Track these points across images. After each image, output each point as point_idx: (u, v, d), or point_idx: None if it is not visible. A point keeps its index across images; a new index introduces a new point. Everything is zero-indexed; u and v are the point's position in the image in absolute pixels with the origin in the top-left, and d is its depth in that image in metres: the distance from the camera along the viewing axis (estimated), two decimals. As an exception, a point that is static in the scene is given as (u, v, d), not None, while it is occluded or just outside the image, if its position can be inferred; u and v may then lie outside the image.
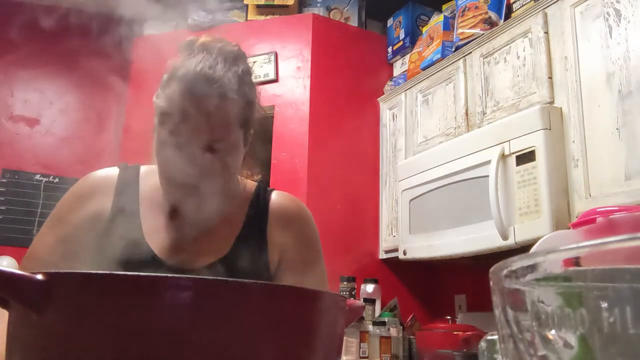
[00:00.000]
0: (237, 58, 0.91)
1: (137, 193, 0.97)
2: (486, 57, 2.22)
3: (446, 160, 2.20)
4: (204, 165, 0.85)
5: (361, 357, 2.24)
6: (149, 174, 1.00)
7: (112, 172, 0.99)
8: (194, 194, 0.87)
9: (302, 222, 1.00)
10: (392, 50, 2.98)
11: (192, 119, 0.83)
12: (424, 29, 2.73)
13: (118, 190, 0.96)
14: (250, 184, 1.03)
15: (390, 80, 2.92)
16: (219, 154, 0.87)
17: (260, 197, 1.00)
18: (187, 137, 0.84)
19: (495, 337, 0.87)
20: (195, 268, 0.89)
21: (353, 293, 2.43)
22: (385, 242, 2.66)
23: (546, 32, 1.96)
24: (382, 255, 2.67)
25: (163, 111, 0.87)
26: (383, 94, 2.91)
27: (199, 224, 0.94)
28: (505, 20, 2.19)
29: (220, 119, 0.85)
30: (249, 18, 3.05)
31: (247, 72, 0.93)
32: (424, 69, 2.60)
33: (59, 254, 0.89)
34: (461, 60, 2.36)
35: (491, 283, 0.29)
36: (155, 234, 0.92)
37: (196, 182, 0.85)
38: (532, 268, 0.26)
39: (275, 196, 1.01)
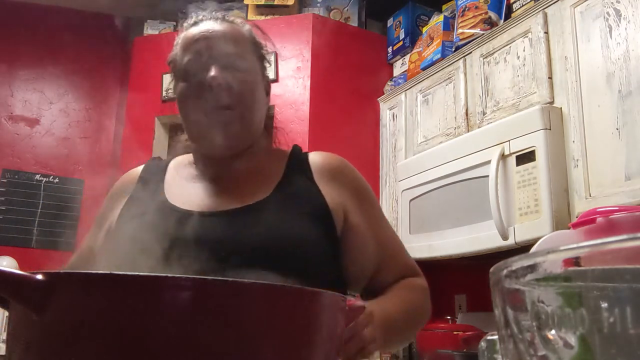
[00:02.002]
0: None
1: (163, 172, 0.97)
2: (486, 57, 2.22)
3: (446, 160, 2.20)
4: (227, 83, 0.85)
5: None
6: (179, 159, 1.00)
7: (141, 166, 1.01)
8: (224, 115, 0.86)
9: (350, 172, 0.97)
10: (392, 50, 2.98)
11: (206, 39, 0.87)
12: (424, 29, 2.73)
13: (143, 174, 0.98)
14: (284, 149, 1.02)
15: (390, 80, 2.92)
16: (239, 73, 0.87)
17: (298, 154, 0.99)
18: (205, 59, 0.86)
19: (495, 337, 0.87)
20: (228, 210, 0.86)
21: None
22: (385, 242, 2.66)
23: (546, 32, 1.96)
24: (382, 255, 2.67)
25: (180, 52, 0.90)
26: (383, 94, 2.91)
27: (231, 166, 0.92)
28: (505, 20, 2.19)
29: (232, 38, 0.89)
30: (249, 18, 3.05)
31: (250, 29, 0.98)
32: (424, 69, 2.60)
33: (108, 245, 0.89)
34: (461, 60, 2.36)
35: (491, 283, 0.29)
36: (179, 196, 0.90)
37: (224, 100, 0.85)
38: (532, 268, 0.26)
39: (313, 153, 0.99)
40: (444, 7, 2.69)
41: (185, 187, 0.92)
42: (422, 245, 2.29)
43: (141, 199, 0.90)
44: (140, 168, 1.00)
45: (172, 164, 1.00)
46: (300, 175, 0.92)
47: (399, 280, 0.93)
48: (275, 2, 2.98)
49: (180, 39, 0.92)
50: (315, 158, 0.96)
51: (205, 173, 0.94)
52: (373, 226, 0.93)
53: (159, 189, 0.92)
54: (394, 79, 2.91)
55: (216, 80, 0.84)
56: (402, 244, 1.00)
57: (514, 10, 2.16)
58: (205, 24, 0.92)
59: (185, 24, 0.95)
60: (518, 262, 0.27)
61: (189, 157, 0.99)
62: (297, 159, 0.96)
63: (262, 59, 0.99)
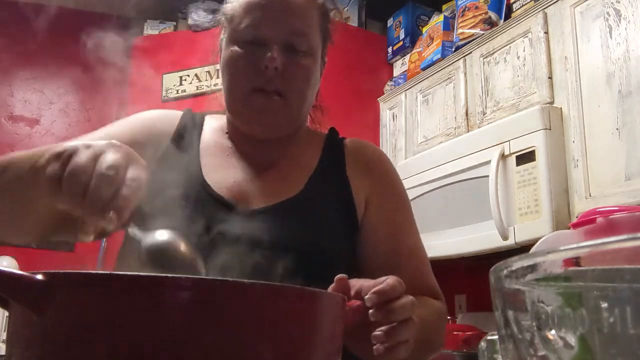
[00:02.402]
0: None
1: (199, 133, 0.89)
2: (486, 57, 2.22)
3: (446, 160, 2.20)
4: (284, 66, 0.78)
5: (361, 357, 2.24)
6: (213, 118, 0.93)
7: (177, 112, 0.92)
8: (271, 101, 0.79)
9: (383, 165, 0.92)
10: (392, 50, 2.98)
11: (272, 8, 0.79)
12: (424, 29, 2.73)
13: (180, 126, 0.88)
14: (320, 132, 0.97)
15: (390, 80, 2.92)
16: (301, 56, 0.80)
17: (334, 140, 0.93)
18: (266, 31, 0.78)
19: (495, 337, 0.87)
20: (257, 208, 0.80)
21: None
22: (385, 242, 2.66)
23: (546, 32, 1.96)
24: (382, 255, 2.67)
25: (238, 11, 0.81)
26: (383, 94, 2.91)
27: (269, 149, 0.86)
28: (505, 20, 2.19)
29: (300, 11, 0.81)
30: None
31: None
32: (424, 69, 2.60)
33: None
34: (461, 60, 2.36)
35: (491, 283, 0.29)
36: (214, 173, 0.83)
37: (275, 85, 0.78)
38: (532, 268, 0.26)
39: (350, 140, 0.94)
40: (444, 7, 2.69)
41: (221, 163, 0.85)
42: (422, 245, 2.29)
43: (175, 167, 0.80)
44: (177, 117, 0.90)
45: (207, 123, 0.91)
46: (333, 168, 0.88)
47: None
48: (275, 2, 2.98)
49: None
50: (351, 145, 0.92)
51: (240, 149, 0.87)
52: (391, 227, 0.86)
53: (194, 161, 0.83)
54: (394, 79, 2.91)
55: (273, 63, 0.77)
56: (428, 261, 0.89)
57: (514, 10, 2.16)
58: None
59: None
60: (518, 262, 0.27)
61: (223, 119, 0.92)
62: (332, 147, 0.91)
63: (326, 35, 0.92)
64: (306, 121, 0.94)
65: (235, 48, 0.80)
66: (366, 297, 0.54)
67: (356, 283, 0.58)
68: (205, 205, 0.77)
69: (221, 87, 0.88)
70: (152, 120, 0.89)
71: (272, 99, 0.79)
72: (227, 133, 0.90)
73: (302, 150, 0.89)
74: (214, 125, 0.91)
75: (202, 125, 0.91)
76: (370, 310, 0.54)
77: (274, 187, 0.83)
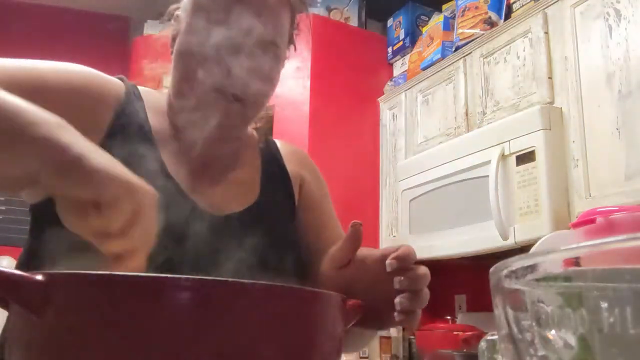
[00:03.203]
0: None
1: (146, 116, 0.78)
2: (486, 57, 2.22)
3: (446, 160, 2.20)
4: (253, 72, 0.72)
5: (361, 357, 2.25)
6: (149, 94, 0.82)
7: (117, 82, 0.80)
8: (229, 110, 0.73)
9: (310, 160, 0.97)
10: (392, 50, 2.98)
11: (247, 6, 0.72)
12: (424, 29, 2.73)
13: (123, 104, 0.76)
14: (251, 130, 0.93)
15: (390, 80, 2.92)
16: (267, 62, 0.75)
17: (269, 139, 0.93)
18: (233, 17, 0.72)
19: (495, 337, 0.87)
20: (229, 213, 0.77)
21: (353, 293, 2.43)
22: (385, 242, 2.66)
23: (546, 32, 1.96)
24: (382, 256, 2.67)
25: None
26: (383, 94, 2.91)
27: (224, 144, 0.80)
28: (505, 20, 2.19)
29: (274, 16, 0.76)
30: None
31: None
32: (424, 69, 2.60)
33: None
34: (461, 61, 2.36)
35: (491, 283, 0.29)
36: (174, 165, 0.76)
37: (233, 89, 0.72)
38: (532, 268, 0.26)
39: (279, 141, 0.95)
40: (444, 7, 2.69)
41: (178, 159, 0.78)
42: (422, 245, 2.29)
43: (132, 155, 0.69)
44: (122, 91, 0.78)
45: (148, 105, 0.80)
46: (275, 167, 0.89)
47: None
48: (275, 2, 2.98)
49: None
50: (283, 144, 0.94)
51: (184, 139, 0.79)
52: (321, 203, 0.91)
53: (154, 154, 0.74)
54: (394, 79, 2.91)
55: (239, 70, 0.71)
56: None
57: (514, 10, 2.17)
58: None
59: None
60: (518, 262, 0.27)
61: (162, 99, 0.82)
62: (269, 145, 0.91)
63: (292, 28, 0.85)
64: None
65: (193, 38, 0.73)
66: (387, 261, 0.57)
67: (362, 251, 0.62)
68: (177, 205, 0.72)
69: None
70: (95, 86, 0.75)
71: (230, 104, 0.74)
72: (168, 117, 0.81)
73: (243, 150, 0.87)
74: (156, 105, 0.80)
75: (144, 107, 0.79)
76: (396, 277, 0.57)
77: (236, 190, 0.82)
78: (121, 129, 0.73)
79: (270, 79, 0.78)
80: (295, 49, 0.89)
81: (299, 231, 0.87)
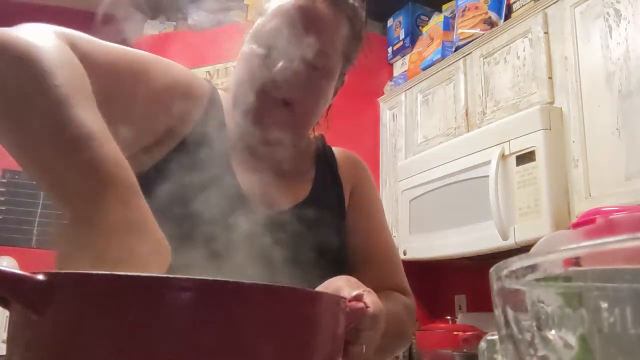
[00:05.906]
0: None
1: (223, 116, 0.83)
2: (486, 57, 2.22)
3: (446, 160, 2.20)
4: (301, 79, 0.77)
5: (361, 357, 2.24)
6: (225, 99, 0.86)
7: (205, 82, 0.86)
8: (276, 108, 0.77)
9: (363, 164, 1.02)
10: (392, 51, 2.98)
11: (300, 20, 0.77)
12: (424, 29, 2.73)
13: (208, 107, 0.81)
14: (310, 138, 0.99)
15: (390, 81, 2.93)
16: (317, 73, 0.79)
17: (325, 146, 1.00)
18: (290, 44, 0.76)
19: (495, 337, 0.87)
20: (283, 210, 0.80)
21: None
22: (385, 242, 2.66)
23: (546, 32, 1.96)
24: (382, 255, 2.67)
25: (267, 21, 0.79)
26: (383, 94, 2.91)
27: (282, 153, 0.84)
28: (505, 20, 2.19)
29: (329, 30, 0.80)
30: (249, 18, 3.05)
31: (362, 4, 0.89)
32: (424, 69, 2.60)
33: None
34: (461, 61, 2.36)
35: (491, 283, 0.29)
36: (242, 170, 0.80)
37: (282, 94, 0.77)
38: (532, 268, 0.26)
39: (335, 148, 1.01)
40: (444, 7, 2.69)
41: (244, 159, 0.82)
42: (422, 245, 2.29)
43: (206, 157, 0.74)
44: (209, 91, 0.83)
45: (224, 103, 0.85)
46: (328, 171, 0.94)
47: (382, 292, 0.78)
48: (275, 2, 2.98)
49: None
50: (339, 150, 1.01)
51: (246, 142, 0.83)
52: (370, 210, 0.93)
53: (225, 157, 0.78)
54: (394, 79, 2.91)
55: (284, 73, 0.75)
56: (399, 259, 0.94)
57: (514, 10, 2.17)
58: None
59: None
60: (518, 262, 0.27)
61: (228, 99, 0.85)
62: (325, 152, 0.98)
63: (349, 56, 0.93)
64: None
65: (256, 47, 0.79)
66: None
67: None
68: (236, 205, 0.74)
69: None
70: (190, 81, 0.81)
71: (280, 110, 0.78)
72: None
73: (299, 156, 0.92)
74: (229, 108, 0.84)
75: (221, 106, 0.84)
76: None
77: (288, 190, 0.85)
78: (205, 127, 0.78)
79: (319, 88, 0.82)
80: (354, 65, 0.97)
81: (347, 233, 0.88)
